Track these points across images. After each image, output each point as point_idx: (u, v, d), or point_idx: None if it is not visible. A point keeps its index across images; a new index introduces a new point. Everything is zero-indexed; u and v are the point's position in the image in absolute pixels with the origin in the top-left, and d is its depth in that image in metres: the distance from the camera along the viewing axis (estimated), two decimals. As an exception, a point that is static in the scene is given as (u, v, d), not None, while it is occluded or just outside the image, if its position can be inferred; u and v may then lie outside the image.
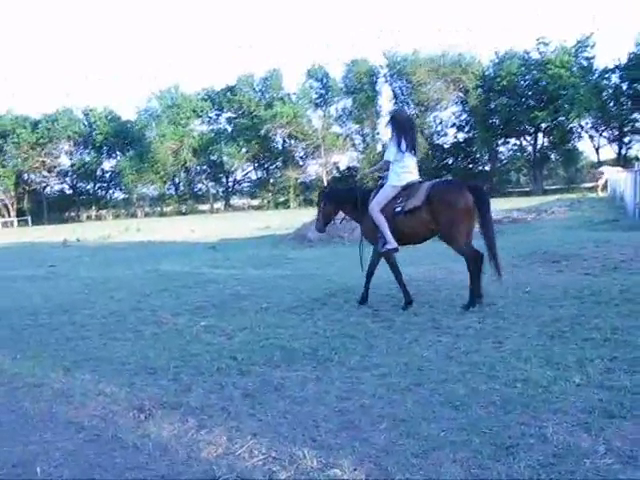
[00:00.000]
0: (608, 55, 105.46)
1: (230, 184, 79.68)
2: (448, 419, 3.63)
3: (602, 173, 34.53)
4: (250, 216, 46.05)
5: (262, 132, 67.41)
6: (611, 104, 52.63)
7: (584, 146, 64.77)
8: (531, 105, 55.43)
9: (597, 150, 58.32)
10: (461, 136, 66.76)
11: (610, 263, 8.96)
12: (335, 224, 9.09)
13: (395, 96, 67.69)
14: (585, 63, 54.25)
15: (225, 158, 72.34)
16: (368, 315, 6.72)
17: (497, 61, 59.33)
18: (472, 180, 64.43)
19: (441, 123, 67.12)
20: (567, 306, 6.40)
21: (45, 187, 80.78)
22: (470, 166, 67.44)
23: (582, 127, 57.41)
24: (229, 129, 75.13)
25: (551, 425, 3.40)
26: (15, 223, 72.69)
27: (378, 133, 68.89)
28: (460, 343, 5.27)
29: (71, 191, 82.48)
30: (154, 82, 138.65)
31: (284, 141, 72.42)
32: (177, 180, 78.87)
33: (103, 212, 79.80)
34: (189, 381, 4.75)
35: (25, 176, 78.00)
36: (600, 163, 52.23)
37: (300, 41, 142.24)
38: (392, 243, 6.84)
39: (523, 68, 56.09)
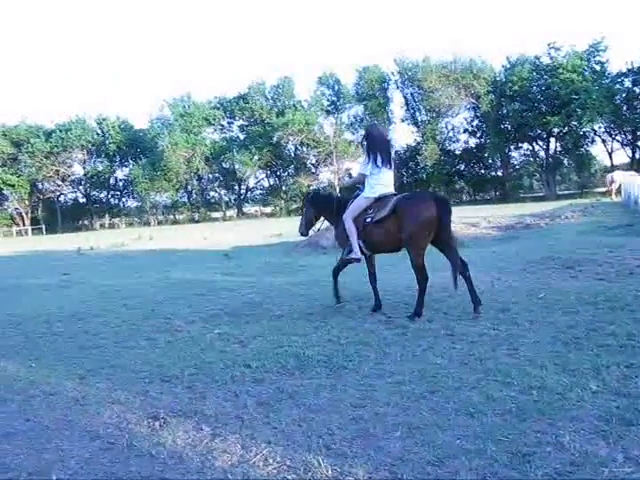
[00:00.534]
0: (622, 59, 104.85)
1: (242, 192, 79.90)
2: (463, 427, 3.61)
3: (613, 180, 34.15)
4: (263, 223, 46.17)
5: (274, 140, 67.65)
6: (624, 108, 52.34)
7: (597, 150, 64.53)
8: (543, 110, 55.12)
9: (610, 154, 58.07)
10: (473, 142, 66.77)
11: (625, 268, 8.89)
12: (318, 231, 9.62)
13: (407, 102, 67.79)
14: (598, 67, 53.98)
15: (237, 166, 72.60)
16: (382, 322, 6.70)
17: (508, 66, 59.20)
18: (482, 185, 64.63)
19: (453, 129, 67.11)
20: (582, 312, 6.36)
21: (59, 196, 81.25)
22: (482, 172, 67.38)
23: (595, 131, 57.09)
24: (241, 137, 75.37)
25: (568, 433, 3.38)
26: (29, 232, 73.21)
27: (390, 140, 68.78)
28: (475, 350, 5.25)
29: (84, 200, 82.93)
30: (166, 91, 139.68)
31: (296, 148, 72.48)
32: (190, 188, 79.08)
33: (116, 220, 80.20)
34: (203, 389, 4.75)
35: (39, 185, 78.52)
36: (613, 167, 51.96)
37: (311, 48, 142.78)
38: (357, 253, 7.19)
39: (534, 73, 55.95)
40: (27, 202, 78.27)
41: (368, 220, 7.11)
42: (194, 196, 79.60)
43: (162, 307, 8.79)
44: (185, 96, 75.70)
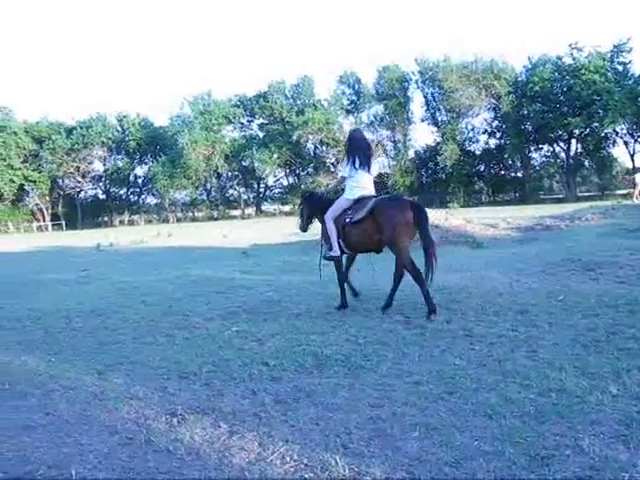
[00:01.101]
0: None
1: (261, 190, 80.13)
2: (481, 428, 3.59)
3: (636, 183, 33.81)
4: (281, 222, 46.14)
5: (294, 138, 67.78)
6: (647, 109, 51.77)
7: (618, 152, 63.94)
8: (564, 111, 54.76)
9: (632, 156, 57.44)
10: (493, 142, 66.57)
11: (646, 272, 8.79)
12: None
13: (427, 102, 67.67)
14: (620, 68, 53.49)
15: (257, 164, 72.76)
16: (400, 322, 6.67)
17: (530, 67, 58.88)
18: (502, 186, 64.22)
19: (473, 129, 66.97)
20: (602, 315, 6.29)
21: (79, 192, 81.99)
22: (502, 173, 67.04)
23: (617, 133, 56.61)
24: (261, 135, 75.60)
25: (587, 436, 3.35)
26: (49, 227, 73.98)
27: (410, 139, 68.78)
28: (493, 351, 5.22)
29: (104, 196, 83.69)
30: (187, 88, 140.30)
31: (315, 147, 72.58)
32: (209, 186, 79.50)
33: (135, 217, 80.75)
34: (221, 386, 4.76)
35: (60, 181, 79.35)
36: (635, 169, 51.40)
37: (331, 48, 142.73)
38: (335, 251, 7.51)
39: (556, 74, 55.58)
40: (48, 198, 79.12)
41: (347, 220, 7.41)
42: (213, 194, 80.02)
43: (180, 304, 8.82)
44: (205, 94, 76.15)
